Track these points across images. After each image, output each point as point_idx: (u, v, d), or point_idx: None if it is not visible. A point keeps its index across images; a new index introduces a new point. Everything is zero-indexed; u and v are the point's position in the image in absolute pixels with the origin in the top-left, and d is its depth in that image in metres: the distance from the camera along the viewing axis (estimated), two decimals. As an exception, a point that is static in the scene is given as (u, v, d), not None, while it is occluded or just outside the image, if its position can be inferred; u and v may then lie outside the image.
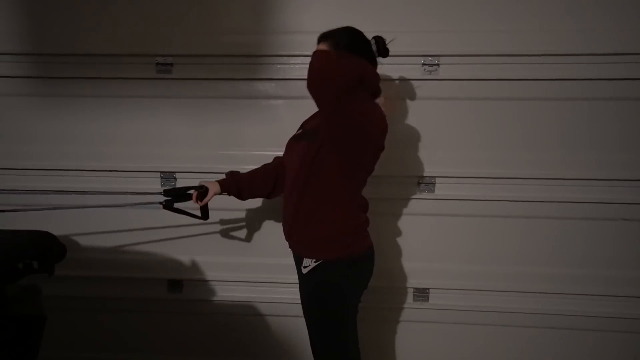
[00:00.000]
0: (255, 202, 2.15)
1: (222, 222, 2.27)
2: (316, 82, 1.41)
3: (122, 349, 2.42)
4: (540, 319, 2.27)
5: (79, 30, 2.15)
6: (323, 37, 1.61)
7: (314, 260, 1.61)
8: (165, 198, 1.84)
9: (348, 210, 1.62)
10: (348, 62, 1.45)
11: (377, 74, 1.58)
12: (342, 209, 1.60)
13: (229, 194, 1.84)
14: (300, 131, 1.76)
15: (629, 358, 2.28)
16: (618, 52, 2.03)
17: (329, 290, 1.61)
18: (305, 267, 1.63)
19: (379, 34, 1.66)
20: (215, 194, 1.81)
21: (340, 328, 1.63)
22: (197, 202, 1.82)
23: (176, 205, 1.86)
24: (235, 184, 1.82)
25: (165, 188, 1.88)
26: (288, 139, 2.14)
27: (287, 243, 1.73)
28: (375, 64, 1.66)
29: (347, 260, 1.61)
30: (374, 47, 1.63)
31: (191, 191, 1.84)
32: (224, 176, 1.86)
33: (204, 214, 1.86)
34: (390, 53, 1.68)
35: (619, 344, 2.27)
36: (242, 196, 1.86)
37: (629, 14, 2.02)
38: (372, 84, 1.55)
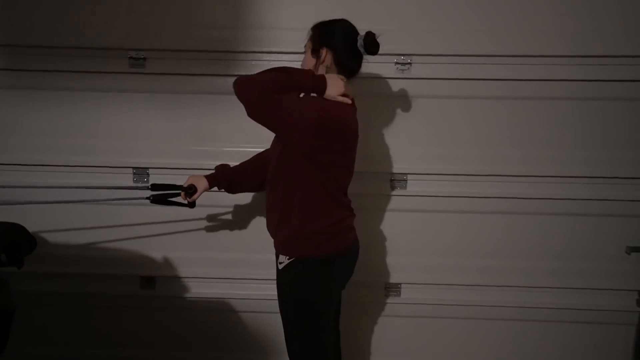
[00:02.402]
0: (228, 198, 2.15)
1: (195, 218, 2.25)
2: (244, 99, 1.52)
3: (93, 346, 2.38)
4: (511, 312, 2.33)
5: (50, 22, 2.10)
6: (311, 28, 1.65)
7: (287, 257, 1.62)
8: (153, 193, 1.82)
9: (320, 208, 1.60)
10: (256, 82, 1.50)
11: (307, 76, 1.54)
12: (313, 206, 1.59)
13: (219, 188, 1.84)
14: None
15: (589, 346, 2.37)
16: (595, 55, 2.09)
17: (301, 287, 1.62)
18: (280, 263, 1.64)
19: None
20: (204, 191, 1.80)
21: (312, 324, 1.64)
22: (185, 199, 1.81)
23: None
24: (226, 178, 1.82)
25: (153, 183, 1.86)
26: (262, 135, 2.13)
27: (270, 238, 1.74)
28: (355, 60, 1.63)
29: (320, 258, 1.61)
30: (360, 43, 1.59)
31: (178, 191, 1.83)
32: (203, 171, 1.85)
33: (191, 203, 1.84)
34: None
35: (588, 334, 2.35)
36: (232, 189, 1.85)
37: (603, 16, 2.08)
38: (304, 87, 1.54)
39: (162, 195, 1.83)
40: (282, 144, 1.59)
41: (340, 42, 1.60)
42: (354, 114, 1.64)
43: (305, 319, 1.64)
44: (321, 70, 1.62)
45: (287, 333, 1.70)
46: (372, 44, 1.60)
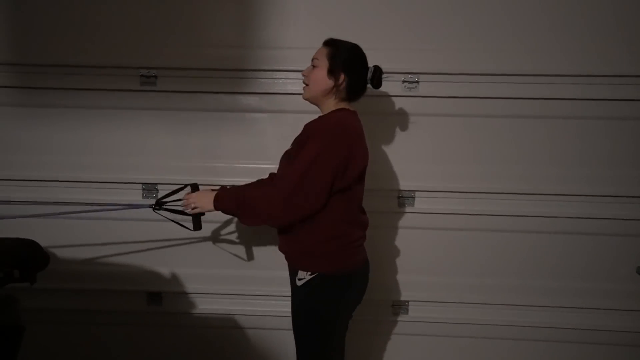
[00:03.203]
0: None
1: (202, 234, 2.25)
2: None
3: (99, 363, 2.38)
4: (519, 331, 2.32)
5: (63, 41, 2.14)
6: (328, 44, 1.66)
7: (308, 273, 1.61)
8: (157, 199, 1.82)
9: (338, 225, 1.61)
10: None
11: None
12: (331, 224, 1.59)
13: None
14: (291, 147, 1.75)
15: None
16: (600, 74, 2.10)
17: (321, 303, 1.62)
18: (300, 279, 1.63)
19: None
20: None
21: (327, 342, 1.65)
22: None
23: (167, 215, 1.83)
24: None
25: (157, 199, 1.88)
26: (270, 152, 2.20)
27: (276, 255, 1.74)
28: (364, 89, 1.68)
29: (340, 274, 1.62)
30: (369, 75, 1.66)
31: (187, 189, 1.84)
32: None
33: (197, 224, 1.81)
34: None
35: (598, 356, 2.33)
36: None
37: (607, 35, 2.10)
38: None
39: (164, 200, 1.82)
40: (288, 162, 1.60)
41: (358, 71, 1.64)
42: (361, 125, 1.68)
43: (323, 336, 1.64)
44: (333, 93, 1.64)
45: (302, 350, 1.69)
46: (379, 80, 1.69)
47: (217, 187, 1.81)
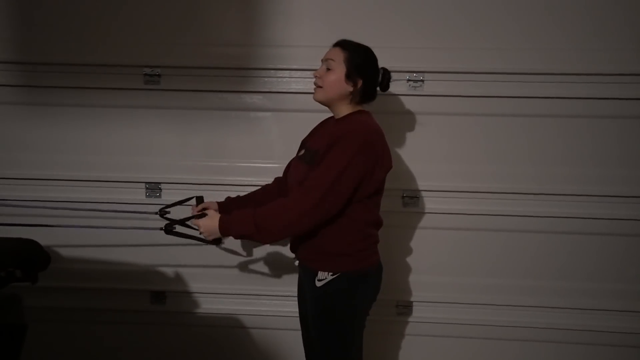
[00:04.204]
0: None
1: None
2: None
3: (102, 362, 2.38)
4: (526, 332, 2.29)
5: (67, 40, 2.14)
6: (341, 45, 1.62)
7: (330, 273, 1.60)
8: (166, 222, 1.71)
9: (364, 226, 1.62)
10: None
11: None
12: (357, 225, 1.60)
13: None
14: (302, 151, 1.73)
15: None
16: (611, 72, 2.07)
17: (342, 301, 1.62)
18: (320, 280, 1.61)
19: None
20: (210, 207, 1.78)
21: (346, 341, 1.65)
22: (194, 211, 1.78)
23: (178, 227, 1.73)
24: (235, 203, 1.84)
25: (161, 208, 1.79)
26: (274, 151, 2.19)
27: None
28: (374, 93, 1.67)
29: (360, 273, 1.62)
30: (379, 79, 1.65)
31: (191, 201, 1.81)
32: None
33: (217, 240, 1.64)
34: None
35: (607, 358, 2.30)
36: None
37: (619, 34, 2.07)
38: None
39: (175, 223, 1.71)
40: (309, 168, 1.57)
41: (373, 75, 1.64)
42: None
43: (343, 336, 1.64)
44: (349, 97, 1.62)
45: (320, 351, 1.68)
46: (387, 84, 1.69)
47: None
